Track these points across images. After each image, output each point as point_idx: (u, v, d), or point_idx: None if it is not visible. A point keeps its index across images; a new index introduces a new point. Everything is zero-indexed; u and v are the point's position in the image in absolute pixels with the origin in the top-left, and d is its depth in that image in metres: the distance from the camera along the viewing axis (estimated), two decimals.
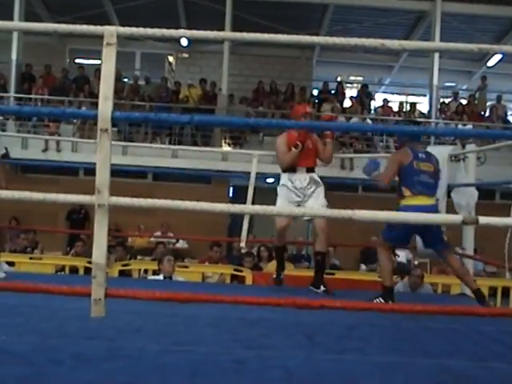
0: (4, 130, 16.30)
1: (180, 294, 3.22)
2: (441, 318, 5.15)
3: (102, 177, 3.00)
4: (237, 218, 16.23)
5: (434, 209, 6.07)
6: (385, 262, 6.33)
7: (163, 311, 5.07)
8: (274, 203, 6.95)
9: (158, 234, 15.43)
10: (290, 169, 6.95)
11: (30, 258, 9.57)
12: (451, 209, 7.20)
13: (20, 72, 18.60)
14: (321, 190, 7.02)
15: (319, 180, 7.00)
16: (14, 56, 18.27)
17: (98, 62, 20.11)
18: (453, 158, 7.56)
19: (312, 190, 6.97)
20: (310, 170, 6.98)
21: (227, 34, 4.01)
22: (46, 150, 16.67)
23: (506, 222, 2.95)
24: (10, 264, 8.84)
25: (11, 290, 3.61)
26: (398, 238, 6.28)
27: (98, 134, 3.03)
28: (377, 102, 21.00)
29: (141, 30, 3.15)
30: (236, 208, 3.21)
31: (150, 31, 3.14)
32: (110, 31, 3.06)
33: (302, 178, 6.91)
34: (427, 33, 18.94)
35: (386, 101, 19.80)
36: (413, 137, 6.26)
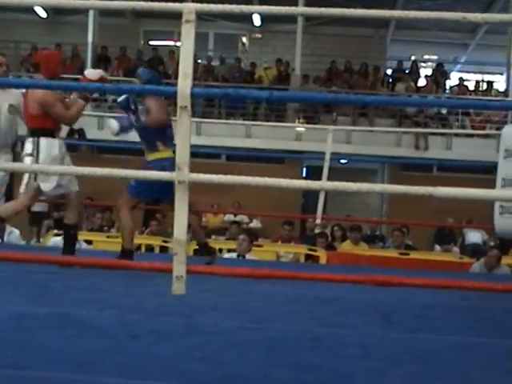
0: None
1: (259, 270, 3.23)
2: None
3: (182, 154, 3.02)
4: (310, 199, 16.21)
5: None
6: (128, 221, 6.10)
7: (238, 289, 5.10)
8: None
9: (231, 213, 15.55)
10: (50, 132, 5.98)
11: (107, 237, 9.73)
12: None
13: (96, 54, 18.87)
14: None
15: None
16: (89, 38, 18.52)
17: (172, 43, 20.28)
18: None
19: None
20: None
21: (304, 9, 4.00)
22: None
23: None
24: (88, 242, 9.02)
25: (94, 266, 3.67)
26: (145, 191, 6.14)
27: (177, 112, 3.05)
28: (452, 81, 20.66)
29: (219, 7, 3.15)
30: (316, 184, 3.20)
31: (227, 7, 3.14)
32: (189, 8, 3.07)
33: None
34: (504, 9, 18.51)
35: (461, 80, 19.47)
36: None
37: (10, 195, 6.77)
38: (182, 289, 3.16)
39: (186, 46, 3.08)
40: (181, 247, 3.08)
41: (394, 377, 3.21)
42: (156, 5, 3.34)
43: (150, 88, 3.95)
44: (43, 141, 5.90)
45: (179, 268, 3.10)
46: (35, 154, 5.89)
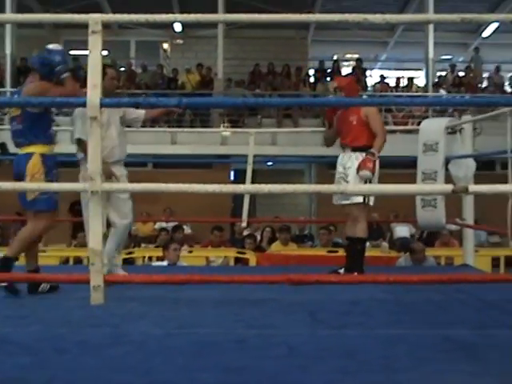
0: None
1: (177, 275, 3.25)
2: (442, 288, 5.18)
3: (94, 164, 3.02)
4: (239, 202, 16.24)
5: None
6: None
7: (167, 296, 5.11)
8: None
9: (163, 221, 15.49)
10: None
11: None
12: (450, 181, 7.21)
13: (15, 66, 18.56)
14: None
15: None
16: (7, 50, 18.22)
17: None
18: (449, 130, 7.57)
19: None
20: None
21: (222, 16, 4.03)
22: None
23: (495, 189, 2.97)
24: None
25: (16, 280, 3.64)
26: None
27: (87, 123, 3.05)
28: (374, 79, 20.94)
29: (125, 17, 3.16)
30: (238, 188, 3.23)
31: (135, 17, 3.14)
32: (95, 19, 3.07)
33: None
34: (421, 7, 18.86)
35: (382, 77, 19.75)
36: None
37: None
38: (100, 298, 3.16)
39: (93, 56, 3.07)
40: (97, 257, 3.08)
41: (318, 373, 3.27)
42: (63, 16, 3.34)
43: (61, 100, 3.87)
44: None
45: (96, 278, 3.09)
46: None
